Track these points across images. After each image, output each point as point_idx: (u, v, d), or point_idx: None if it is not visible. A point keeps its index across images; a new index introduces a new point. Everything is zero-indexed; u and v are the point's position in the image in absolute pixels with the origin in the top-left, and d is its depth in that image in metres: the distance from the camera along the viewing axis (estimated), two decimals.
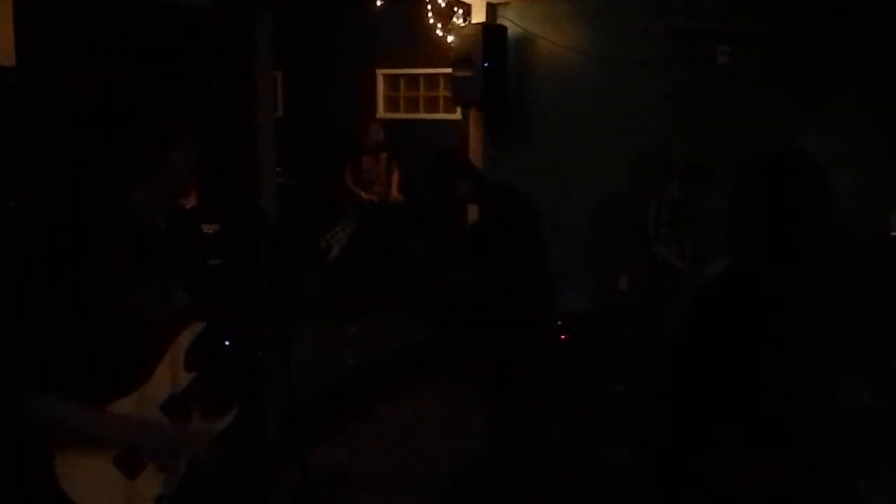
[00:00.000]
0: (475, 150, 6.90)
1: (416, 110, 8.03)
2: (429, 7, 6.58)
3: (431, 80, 7.88)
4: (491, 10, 6.59)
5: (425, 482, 4.10)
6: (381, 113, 8.11)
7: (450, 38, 6.64)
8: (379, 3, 6.27)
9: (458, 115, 7.26)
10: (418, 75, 7.94)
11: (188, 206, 3.65)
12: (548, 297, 4.06)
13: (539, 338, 4.10)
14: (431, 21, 6.70)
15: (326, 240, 6.42)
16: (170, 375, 1.81)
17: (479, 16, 6.56)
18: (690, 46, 5.90)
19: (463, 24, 6.57)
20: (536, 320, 3.93)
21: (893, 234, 4.83)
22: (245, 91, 4.30)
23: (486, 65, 6.21)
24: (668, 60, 5.97)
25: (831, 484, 1.76)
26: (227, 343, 1.97)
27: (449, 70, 6.65)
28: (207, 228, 1.84)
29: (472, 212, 5.31)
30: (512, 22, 6.62)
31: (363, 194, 7.03)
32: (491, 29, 6.39)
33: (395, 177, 7.15)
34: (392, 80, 8.15)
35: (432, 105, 7.92)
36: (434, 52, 7.10)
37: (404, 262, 4.09)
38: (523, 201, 3.91)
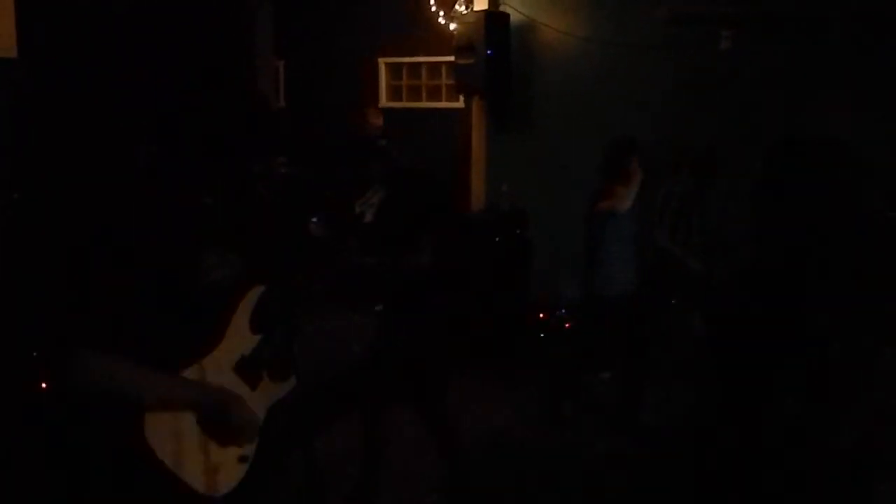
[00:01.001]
0: (478, 139, 6.89)
1: (419, 99, 8.00)
2: None
3: (434, 68, 7.84)
4: None
5: (429, 470, 4.11)
6: (384, 102, 8.08)
7: (452, 26, 6.61)
8: None
9: (460, 104, 7.23)
10: (420, 64, 7.91)
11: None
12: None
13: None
14: (433, 9, 6.68)
15: (360, 205, 6.44)
16: (239, 338, 1.87)
17: (481, 3, 6.53)
18: (693, 31, 5.87)
19: (465, 12, 6.54)
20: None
21: None
22: (247, 80, 4.29)
23: (488, 52, 6.19)
24: (671, 46, 5.94)
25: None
26: (282, 307, 2.01)
27: (451, 58, 6.63)
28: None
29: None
30: (514, 9, 6.59)
31: None
32: (493, 16, 6.37)
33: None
34: (394, 69, 8.12)
35: (435, 94, 7.89)
36: (436, 40, 7.07)
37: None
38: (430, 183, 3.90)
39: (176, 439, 1.71)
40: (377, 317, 3.66)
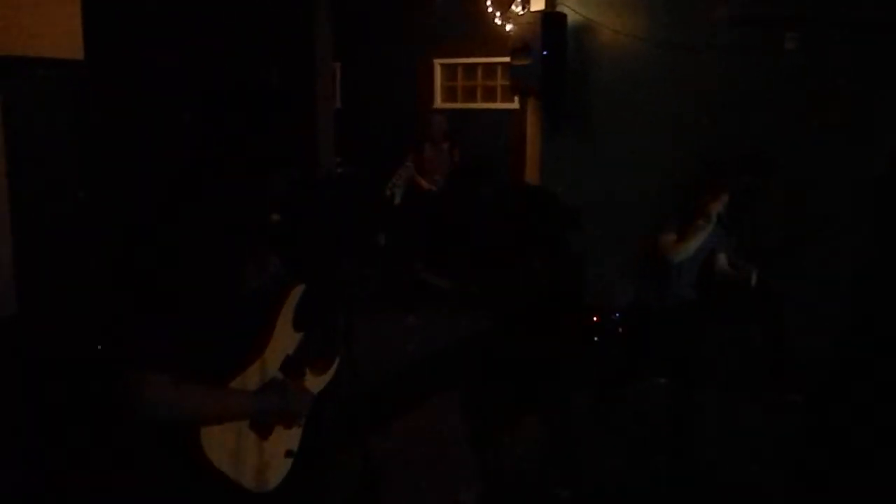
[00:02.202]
0: (533, 141, 6.85)
1: (474, 100, 8.00)
2: None
3: (489, 69, 7.83)
4: None
5: (474, 475, 4.10)
6: (439, 102, 8.11)
7: (508, 27, 6.59)
8: None
9: (515, 105, 7.21)
10: (476, 64, 7.91)
11: None
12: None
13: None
14: (490, 9, 6.66)
15: (389, 188, 6.51)
16: (283, 338, 1.90)
17: (538, 3, 6.49)
18: (757, 33, 5.75)
19: (522, 12, 6.50)
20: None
21: None
22: (306, 81, 4.35)
23: (544, 53, 6.15)
24: (733, 47, 5.82)
25: None
26: (322, 302, 2.04)
27: (507, 59, 6.61)
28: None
29: None
30: (572, 9, 6.54)
31: (424, 183, 7.06)
32: (550, 16, 6.32)
33: (455, 167, 7.16)
34: (449, 70, 8.13)
35: (490, 94, 7.88)
36: (492, 40, 7.06)
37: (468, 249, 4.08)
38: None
39: (231, 445, 1.75)
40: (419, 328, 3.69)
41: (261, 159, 1.77)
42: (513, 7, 6.57)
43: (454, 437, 4.43)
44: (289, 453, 1.91)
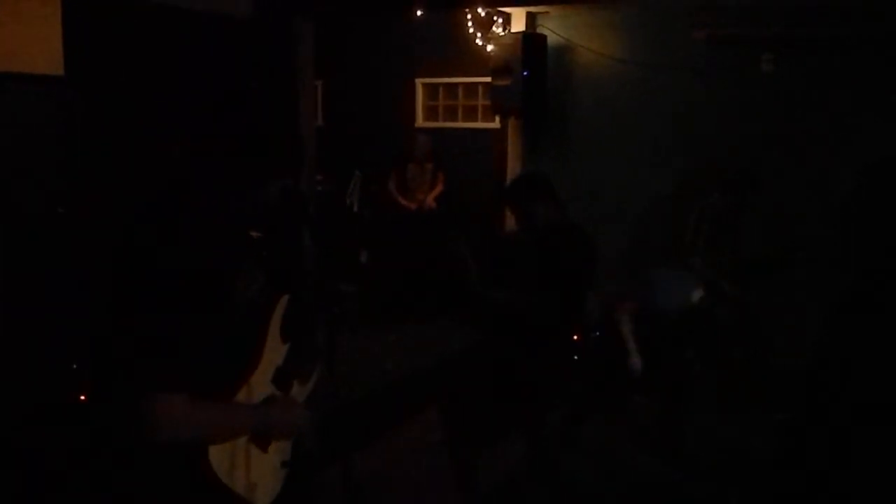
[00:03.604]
0: (514, 160, 6.89)
1: (455, 119, 8.04)
2: (468, 16, 6.60)
3: (470, 88, 7.88)
4: (531, 19, 6.58)
5: (460, 491, 4.08)
6: (420, 122, 8.14)
7: (489, 47, 6.64)
8: (419, 14, 6.30)
9: (496, 124, 7.25)
10: (457, 84, 7.96)
11: None
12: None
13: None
14: (471, 30, 6.72)
15: (347, 197, 6.59)
16: (273, 350, 1.90)
17: (518, 25, 6.56)
18: (733, 54, 5.84)
19: (502, 34, 6.57)
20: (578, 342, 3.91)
21: None
22: (287, 100, 4.35)
23: (525, 74, 6.21)
24: (710, 68, 5.91)
25: None
26: (305, 310, 2.05)
27: (488, 79, 6.66)
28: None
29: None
30: (552, 31, 6.61)
31: (403, 201, 7.08)
32: (531, 38, 6.39)
33: (438, 187, 7.18)
34: (431, 89, 8.17)
35: (471, 114, 7.93)
36: (473, 61, 7.11)
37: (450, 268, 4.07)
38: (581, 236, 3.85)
39: (235, 460, 1.76)
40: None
41: (257, 166, 1.77)
42: (494, 28, 6.63)
43: (436, 454, 4.41)
44: (284, 464, 1.92)
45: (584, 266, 3.75)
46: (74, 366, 4.05)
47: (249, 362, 1.82)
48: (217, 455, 1.71)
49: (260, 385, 1.85)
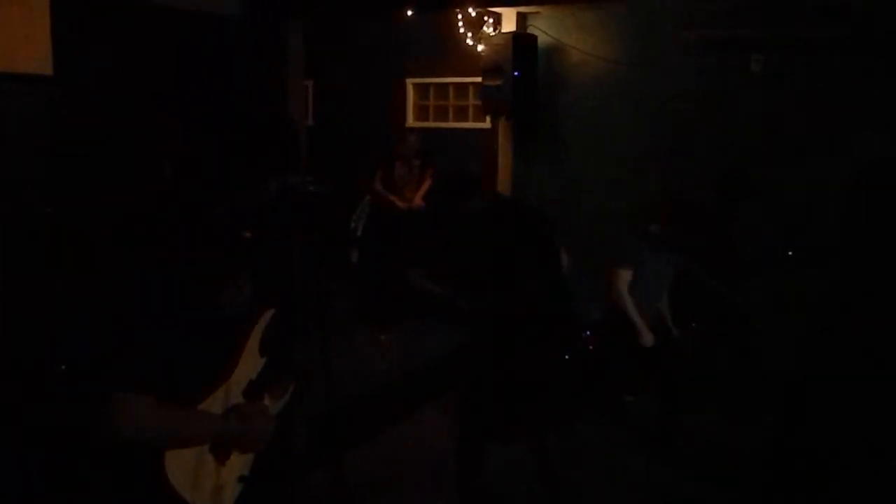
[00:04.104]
0: (504, 160, 6.89)
1: (446, 119, 8.04)
2: (459, 16, 6.61)
3: (461, 89, 7.89)
4: (521, 19, 6.59)
5: (452, 492, 4.08)
6: (411, 121, 8.13)
7: (480, 48, 6.65)
8: (409, 14, 6.30)
9: (487, 124, 7.26)
10: (448, 84, 7.96)
11: None
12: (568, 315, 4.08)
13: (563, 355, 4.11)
14: (462, 30, 6.72)
15: (353, 221, 6.65)
16: (249, 362, 1.91)
17: (509, 25, 6.56)
18: (723, 55, 5.86)
19: (493, 34, 6.57)
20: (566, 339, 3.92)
21: None
22: (277, 100, 4.34)
23: (515, 74, 6.21)
24: (700, 69, 5.92)
25: None
26: (288, 326, 2.05)
27: (478, 79, 6.66)
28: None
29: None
30: (542, 31, 6.62)
31: (395, 199, 7.07)
32: (521, 38, 6.39)
33: (425, 185, 7.18)
34: (422, 89, 8.17)
35: (462, 114, 7.93)
36: (464, 61, 7.12)
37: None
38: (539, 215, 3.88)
39: (191, 469, 1.74)
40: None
41: (251, 165, 1.76)
42: (484, 28, 6.64)
43: (432, 455, 4.42)
44: (241, 478, 1.90)
45: (516, 239, 3.73)
46: (62, 367, 4.02)
47: (222, 373, 1.82)
48: (173, 464, 1.69)
49: (230, 396, 1.84)
